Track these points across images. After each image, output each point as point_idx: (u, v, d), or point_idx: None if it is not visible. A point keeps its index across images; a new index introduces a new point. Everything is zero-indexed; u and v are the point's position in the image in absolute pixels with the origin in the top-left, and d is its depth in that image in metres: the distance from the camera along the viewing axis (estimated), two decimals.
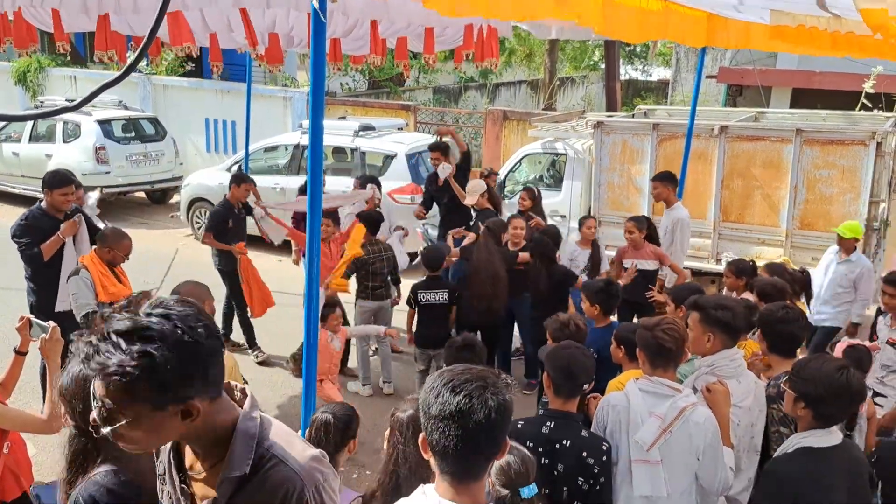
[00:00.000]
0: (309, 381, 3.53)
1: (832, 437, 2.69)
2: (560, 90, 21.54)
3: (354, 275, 6.30)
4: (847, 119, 9.08)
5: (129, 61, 2.20)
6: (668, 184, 6.79)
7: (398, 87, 18.26)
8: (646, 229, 6.37)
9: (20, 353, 2.94)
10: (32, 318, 2.67)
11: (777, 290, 4.64)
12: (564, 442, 2.94)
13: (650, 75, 26.37)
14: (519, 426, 3.03)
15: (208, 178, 11.13)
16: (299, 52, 9.40)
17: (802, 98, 13.64)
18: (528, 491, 2.41)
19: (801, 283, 5.41)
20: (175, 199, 13.02)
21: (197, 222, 11.29)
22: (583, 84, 24.29)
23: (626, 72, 25.32)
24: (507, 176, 9.44)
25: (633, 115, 10.24)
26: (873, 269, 6.58)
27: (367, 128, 10.56)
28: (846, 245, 6.35)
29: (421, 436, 1.78)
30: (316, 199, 3.39)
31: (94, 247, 5.22)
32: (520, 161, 9.53)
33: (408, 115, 13.42)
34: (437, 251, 6.29)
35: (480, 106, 18.43)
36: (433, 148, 7.72)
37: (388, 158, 10.04)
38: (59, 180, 5.37)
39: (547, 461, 2.94)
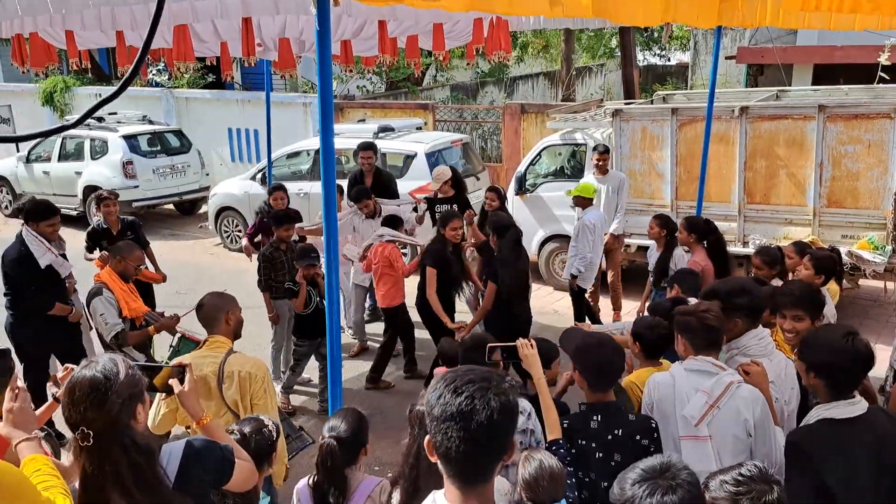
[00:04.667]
0: (335, 398, 3.56)
1: (855, 407, 2.67)
2: (578, 80, 21.42)
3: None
4: (870, 93, 8.90)
5: (123, 79, 2.25)
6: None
7: (416, 86, 18.31)
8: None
9: (59, 400, 3.00)
10: (76, 367, 2.76)
11: (834, 262, 4.71)
12: (616, 432, 2.95)
13: (669, 60, 26.06)
14: (565, 425, 3.02)
15: (234, 187, 11.29)
16: (312, 57, 9.51)
17: (825, 74, 13.40)
18: None
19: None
20: (203, 209, 13.23)
21: (225, 231, 11.46)
22: (601, 72, 24.11)
23: (645, 58, 25.06)
24: (527, 169, 9.43)
25: (651, 101, 10.16)
26: (588, 226, 7.16)
27: (386, 129, 10.62)
28: (579, 203, 7.34)
29: (426, 438, 1.75)
30: (330, 206, 3.42)
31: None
32: (539, 153, 9.50)
33: (426, 114, 13.46)
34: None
35: (498, 101, 18.41)
36: (365, 147, 7.91)
37: (409, 158, 10.10)
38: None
39: (601, 454, 2.94)
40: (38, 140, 13.15)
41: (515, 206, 9.12)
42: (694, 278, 4.77)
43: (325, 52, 3.16)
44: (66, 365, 2.86)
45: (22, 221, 5.50)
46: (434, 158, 10.08)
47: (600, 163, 7.82)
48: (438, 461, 1.72)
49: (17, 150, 14.00)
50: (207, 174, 13.76)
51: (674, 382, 3.09)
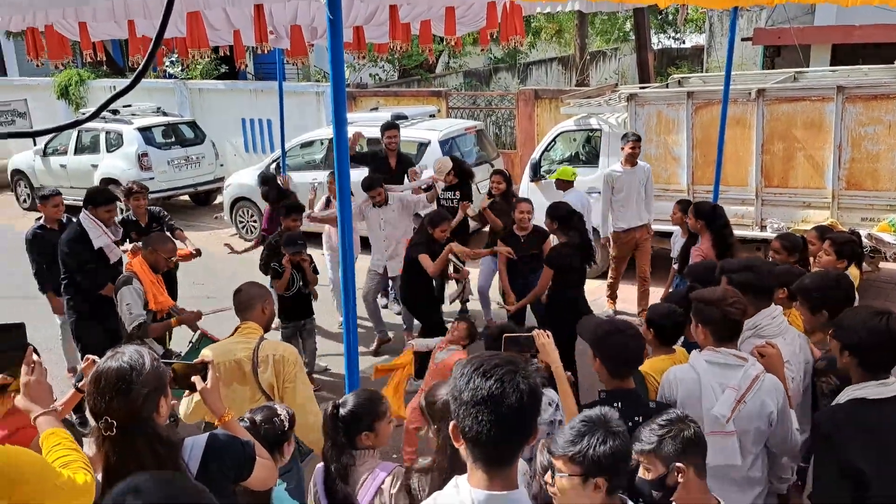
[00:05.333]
0: (352, 382, 3.56)
1: (887, 388, 2.67)
2: (592, 65, 21.23)
3: None
4: (890, 72, 8.76)
5: (139, 68, 2.24)
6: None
7: (428, 73, 18.24)
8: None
9: (81, 391, 2.93)
10: (97, 358, 2.76)
11: (856, 244, 4.63)
12: (637, 418, 2.90)
13: (683, 43, 25.74)
14: None
15: (248, 177, 11.31)
16: (324, 45, 9.49)
17: (843, 54, 13.20)
18: None
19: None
20: (218, 200, 13.28)
21: (240, 222, 11.51)
22: (615, 57, 23.90)
23: (659, 41, 24.76)
24: (542, 155, 9.38)
25: (666, 85, 10.05)
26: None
27: (399, 117, 10.58)
28: (560, 185, 7.53)
29: (451, 423, 1.77)
30: (344, 193, 3.40)
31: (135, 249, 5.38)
32: (554, 139, 9.45)
33: (439, 101, 13.40)
34: None
35: (512, 87, 18.30)
36: (390, 126, 8.06)
37: (423, 146, 10.07)
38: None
39: None
40: (53, 134, 13.26)
41: (530, 192, 9.07)
42: (709, 274, 4.66)
43: (336, 41, 3.14)
44: (88, 356, 2.87)
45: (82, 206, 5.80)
46: (448, 146, 10.05)
47: (634, 151, 7.48)
48: (464, 446, 1.75)
49: (34, 144, 14.11)
50: (222, 165, 13.81)
51: (698, 378, 3.03)
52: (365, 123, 10.35)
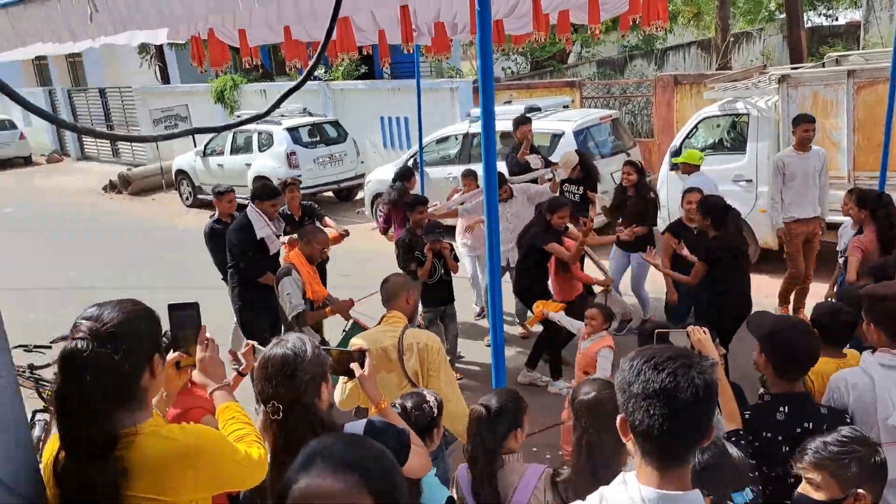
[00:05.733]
0: (499, 381, 3.59)
1: None
2: (734, 47, 20.17)
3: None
4: None
5: (306, 70, 2.35)
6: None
7: (561, 64, 18.02)
8: None
9: (242, 374, 3.07)
10: (256, 344, 2.88)
11: None
12: (806, 425, 2.74)
13: (836, 20, 23.86)
14: (746, 416, 2.86)
15: (387, 173, 11.67)
16: (463, 41, 9.63)
17: None
18: (742, 497, 2.27)
19: None
20: (360, 195, 13.80)
21: (380, 217, 11.89)
22: (759, 38, 22.55)
23: (808, 19, 23.11)
24: (682, 143, 9.02)
25: (822, 65, 9.38)
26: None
27: (532, 109, 10.54)
28: (685, 169, 7.33)
29: (619, 417, 1.71)
30: (491, 185, 3.41)
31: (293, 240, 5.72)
32: (696, 126, 9.06)
33: (573, 91, 13.22)
34: None
35: (647, 74, 17.73)
36: (525, 121, 8.06)
37: (556, 137, 9.99)
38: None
39: (788, 448, 2.74)
40: (213, 135, 14.29)
41: (671, 182, 8.77)
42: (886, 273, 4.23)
43: (485, 33, 3.18)
44: (248, 342, 3.05)
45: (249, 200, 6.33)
46: (582, 136, 9.91)
47: (807, 134, 6.76)
48: (633, 441, 1.69)
49: (195, 146, 15.24)
50: (363, 162, 14.34)
51: (872, 383, 2.79)
52: (499, 117, 10.38)
